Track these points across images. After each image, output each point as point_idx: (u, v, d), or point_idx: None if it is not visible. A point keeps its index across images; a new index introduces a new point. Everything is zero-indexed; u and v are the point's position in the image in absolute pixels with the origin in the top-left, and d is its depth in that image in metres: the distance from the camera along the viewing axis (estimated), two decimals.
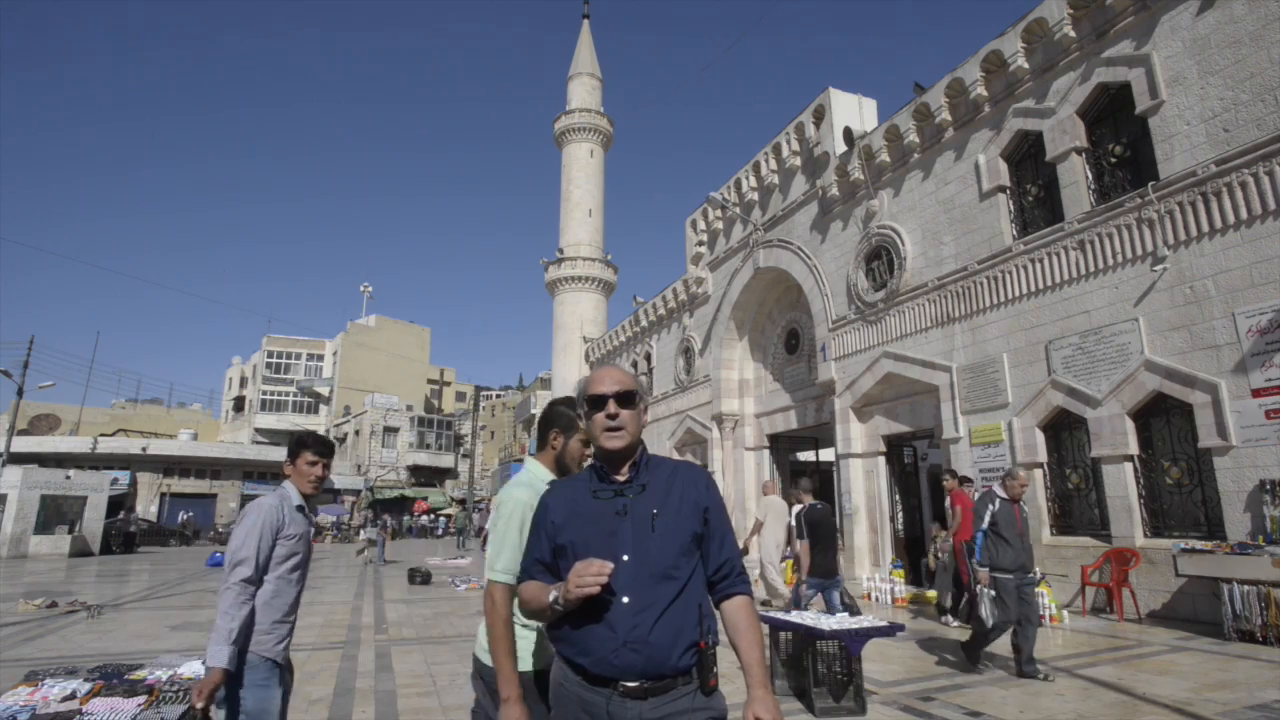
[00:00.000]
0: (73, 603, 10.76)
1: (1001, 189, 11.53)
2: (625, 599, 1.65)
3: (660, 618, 1.64)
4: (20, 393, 27.28)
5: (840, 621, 5.30)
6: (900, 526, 14.24)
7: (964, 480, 9.41)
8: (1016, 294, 10.96)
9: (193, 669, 6.10)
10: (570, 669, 1.72)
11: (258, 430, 49.79)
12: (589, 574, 1.59)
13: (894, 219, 13.64)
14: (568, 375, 37.99)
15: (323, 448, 2.99)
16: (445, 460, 50.79)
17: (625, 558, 1.69)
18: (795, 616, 5.53)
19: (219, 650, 2.59)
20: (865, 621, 5.38)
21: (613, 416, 1.79)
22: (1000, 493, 6.24)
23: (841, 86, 15.65)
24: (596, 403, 1.81)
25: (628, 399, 1.81)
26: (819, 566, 7.18)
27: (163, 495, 37.23)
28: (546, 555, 1.81)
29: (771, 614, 5.73)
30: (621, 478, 1.81)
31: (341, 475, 45.92)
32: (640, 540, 1.70)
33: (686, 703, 1.65)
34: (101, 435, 39.16)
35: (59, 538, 23.26)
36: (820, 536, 7.23)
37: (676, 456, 21.87)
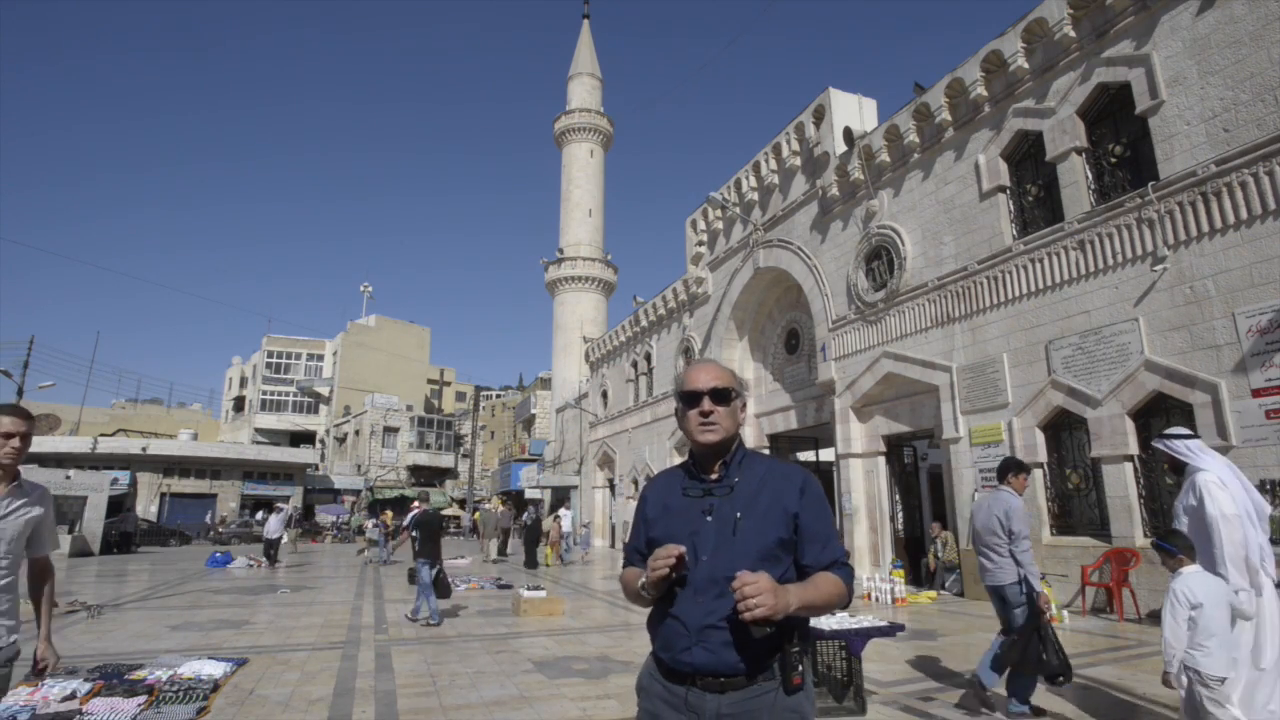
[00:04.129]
0: (73, 603, 10.76)
1: (1001, 189, 11.53)
2: (700, 598, 1.67)
3: (733, 619, 1.61)
4: (20, 393, 27.26)
5: (840, 622, 5.30)
6: (900, 526, 14.24)
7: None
8: (1016, 294, 10.96)
9: (192, 669, 6.10)
10: (654, 661, 1.77)
11: (258, 430, 49.78)
12: (660, 558, 1.65)
13: (894, 219, 13.64)
14: (568, 375, 38.01)
15: (1022, 469, 5.19)
16: (445, 460, 50.80)
17: (704, 558, 1.70)
18: None
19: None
20: (865, 621, 5.38)
21: (706, 414, 1.78)
22: None
23: (841, 86, 15.67)
24: (691, 399, 1.81)
25: (722, 395, 1.79)
26: (425, 552, 9.50)
27: (163, 495, 37.22)
28: (643, 545, 1.86)
29: None
30: (712, 476, 1.80)
31: (341, 475, 45.94)
32: (721, 542, 1.70)
33: (768, 700, 1.64)
34: (101, 435, 39.13)
35: (59, 538, 23.26)
36: (428, 532, 9.63)
37: (677, 457, 21.89)
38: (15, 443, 2.64)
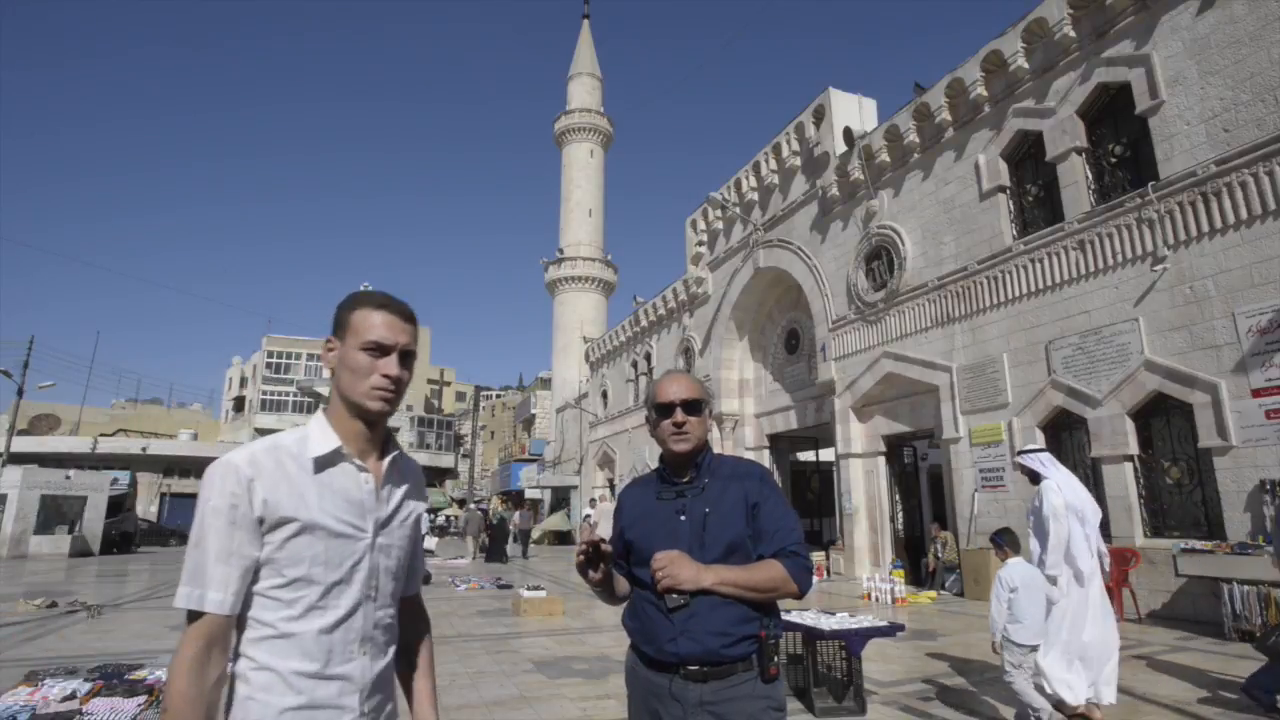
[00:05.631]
0: (73, 603, 10.75)
1: (1001, 189, 11.53)
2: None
3: (715, 609, 1.73)
4: (20, 393, 27.27)
5: (840, 622, 5.30)
6: (900, 526, 14.24)
7: None
8: (1016, 294, 10.96)
9: None
10: (637, 655, 1.86)
11: (258, 430, 49.71)
12: (583, 539, 1.80)
13: (894, 219, 13.64)
14: (567, 375, 37.99)
15: None
16: (445, 460, 50.81)
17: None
18: (795, 616, 5.53)
19: None
20: (865, 621, 5.39)
21: (679, 424, 1.88)
22: None
23: (841, 86, 15.67)
24: (664, 410, 1.90)
25: (694, 406, 1.89)
26: None
27: (163, 495, 37.23)
28: (619, 549, 1.96)
29: None
30: (684, 479, 1.92)
31: None
32: (695, 538, 1.80)
33: (747, 689, 1.73)
34: (101, 435, 39.16)
35: (59, 538, 23.26)
36: None
37: None
38: (392, 368, 1.35)
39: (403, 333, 1.37)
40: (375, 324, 1.35)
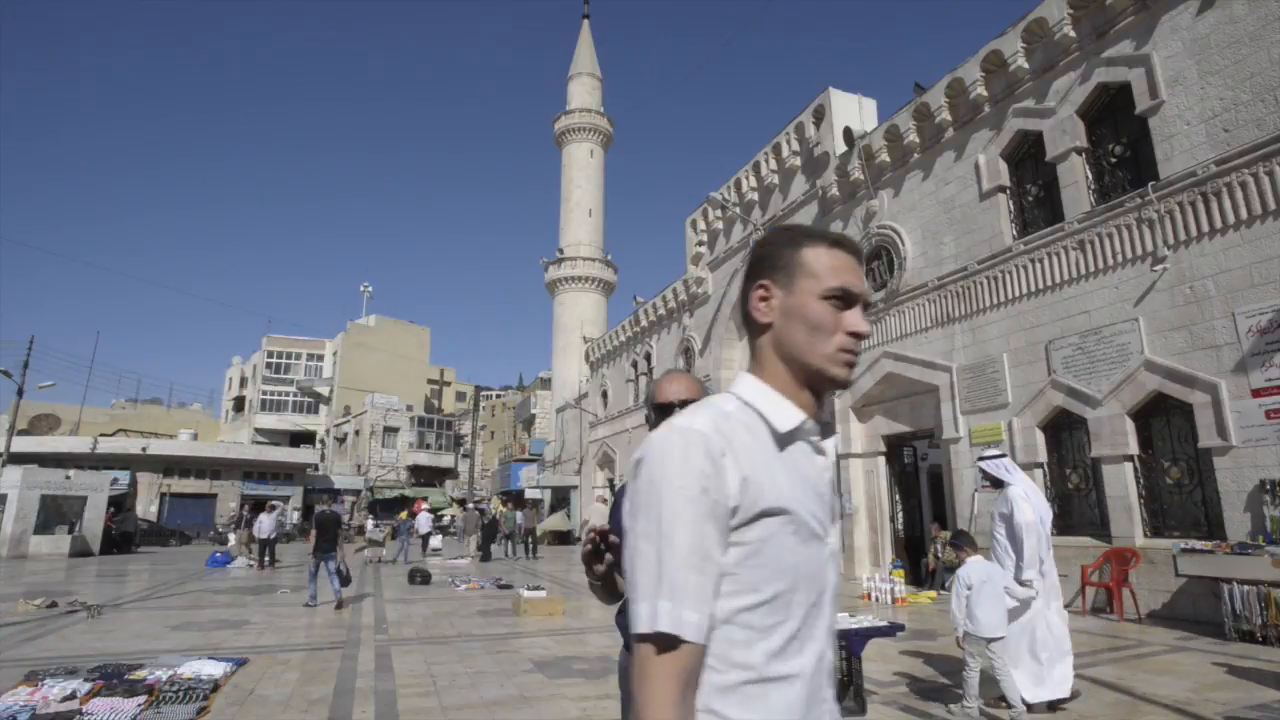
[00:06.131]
0: (73, 603, 10.76)
1: (1001, 189, 11.53)
2: None
3: None
4: (20, 393, 27.27)
5: (840, 621, 5.30)
6: (900, 526, 14.24)
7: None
8: (1016, 294, 10.96)
9: (193, 669, 6.10)
10: (628, 654, 1.87)
11: (258, 430, 49.75)
12: (585, 540, 1.80)
13: (894, 219, 13.65)
14: (567, 375, 37.98)
15: None
16: (445, 460, 50.79)
17: None
18: None
19: None
20: (865, 621, 5.39)
21: None
22: None
23: (841, 86, 15.67)
24: (663, 410, 1.91)
25: None
26: (321, 546, 10.65)
27: (163, 495, 37.21)
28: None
29: None
30: None
31: (341, 475, 45.91)
32: None
33: None
34: (101, 435, 39.13)
35: (59, 538, 23.26)
36: (325, 529, 10.79)
37: None
38: (863, 323, 1.03)
39: (863, 279, 1.06)
40: (837, 265, 1.03)
